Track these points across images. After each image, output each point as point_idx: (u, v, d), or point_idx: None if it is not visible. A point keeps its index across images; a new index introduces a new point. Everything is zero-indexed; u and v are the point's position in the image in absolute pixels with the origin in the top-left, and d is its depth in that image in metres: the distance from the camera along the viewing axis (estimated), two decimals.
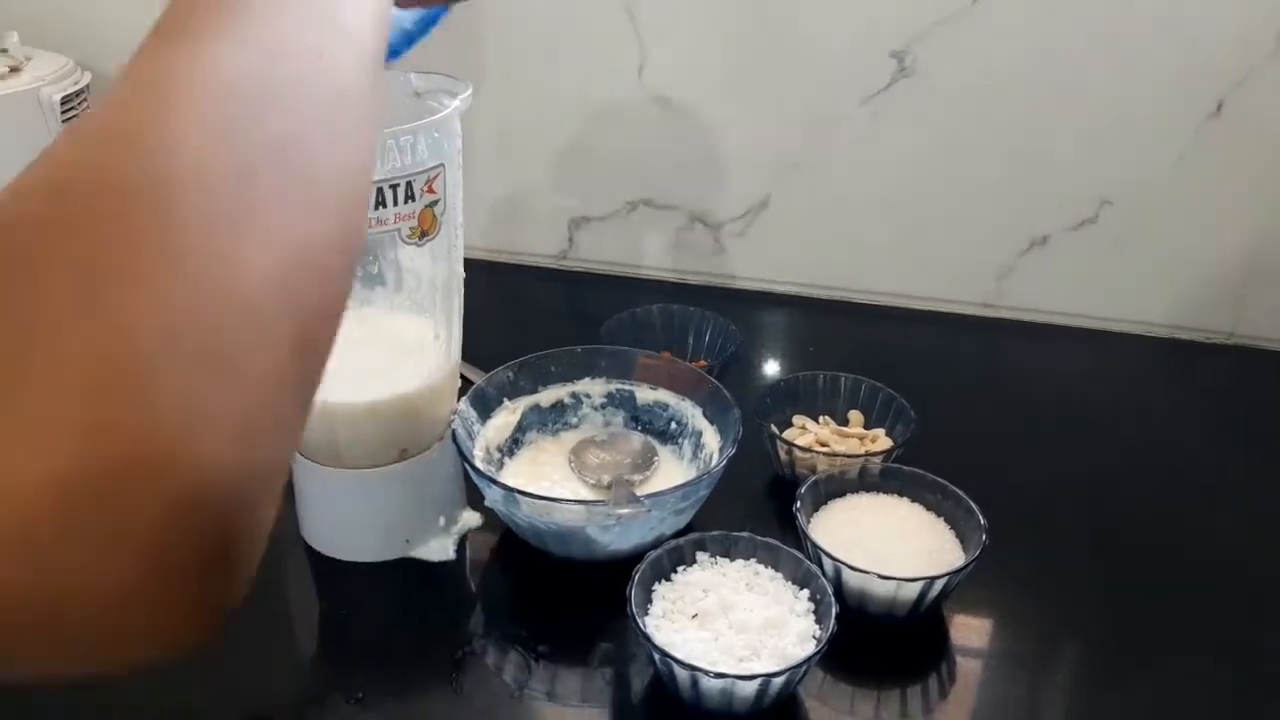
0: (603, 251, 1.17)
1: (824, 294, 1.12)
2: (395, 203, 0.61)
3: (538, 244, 1.18)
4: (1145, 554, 0.78)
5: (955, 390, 0.96)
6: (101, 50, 1.17)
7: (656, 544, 0.68)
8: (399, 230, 0.62)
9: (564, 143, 1.11)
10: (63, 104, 1.04)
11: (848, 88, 1.01)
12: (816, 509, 0.74)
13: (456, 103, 0.64)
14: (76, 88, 1.07)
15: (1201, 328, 1.04)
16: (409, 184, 0.61)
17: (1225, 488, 0.85)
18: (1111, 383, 1.01)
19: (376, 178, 0.59)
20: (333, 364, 0.65)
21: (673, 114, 1.06)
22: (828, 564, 0.67)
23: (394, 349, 0.70)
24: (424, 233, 0.63)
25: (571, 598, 0.72)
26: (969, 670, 0.68)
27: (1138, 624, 0.71)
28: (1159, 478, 0.87)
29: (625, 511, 0.67)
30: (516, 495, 0.68)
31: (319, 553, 0.75)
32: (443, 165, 0.63)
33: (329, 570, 0.75)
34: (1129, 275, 1.03)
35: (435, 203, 0.63)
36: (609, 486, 0.75)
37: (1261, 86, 0.92)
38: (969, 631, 0.70)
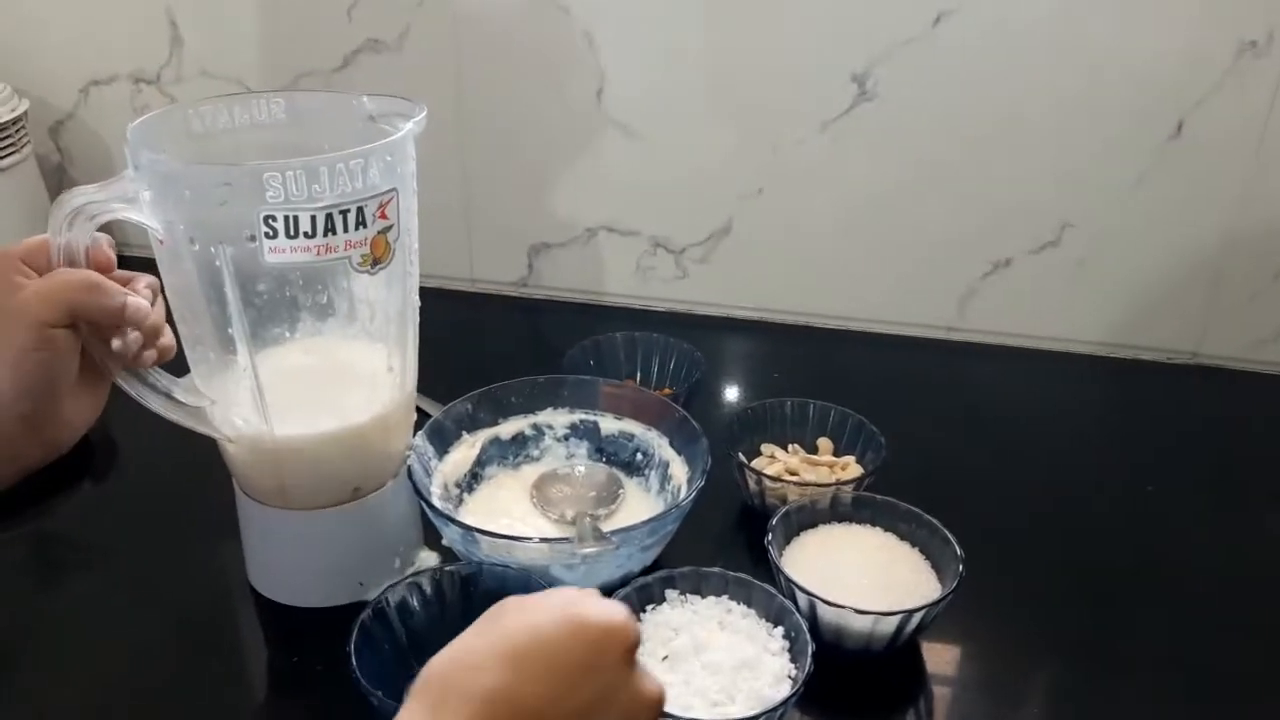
0: (563, 279, 1.14)
1: (788, 319, 1.11)
2: (345, 229, 0.58)
3: (497, 271, 1.15)
4: (1117, 576, 0.76)
5: (921, 415, 0.95)
6: (39, 77, 1.14)
7: (624, 582, 0.66)
8: (350, 258, 0.59)
9: (523, 168, 1.09)
10: None
11: (809, 111, 1.00)
12: (788, 541, 0.72)
13: (410, 125, 0.61)
14: (13, 115, 1.03)
15: (1165, 348, 1.04)
16: (360, 209, 0.58)
17: (1195, 508, 0.84)
18: (1077, 404, 1.00)
19: (324, 203, 0.56)
20: (280, 396, 0.63)
21: (633, 139, 1.05)
22: (802, 599, 0.64)
23: (345, 380, 0.67)
24: (376, 260, 0.60)
25: None
26: (947, 702, 0.66)
27: (1115, 647, 0.70)
28: (1128, 497, 0.85)
29: (591, 550, 0.64)
30: (476, 534, 0.65)
31: (267, 599, 0.72)
32: (396, 190, 0.60)
33: (278, 617, 0.71)
34: (1092, 297, 1.03)
35: (388, 229, 0.60)
36: (573, 522, 0.73)
37: (1220, 106, 0.92)
38: (946, 662, 0.68)
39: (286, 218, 0.56)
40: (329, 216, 0.57)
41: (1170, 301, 1.02)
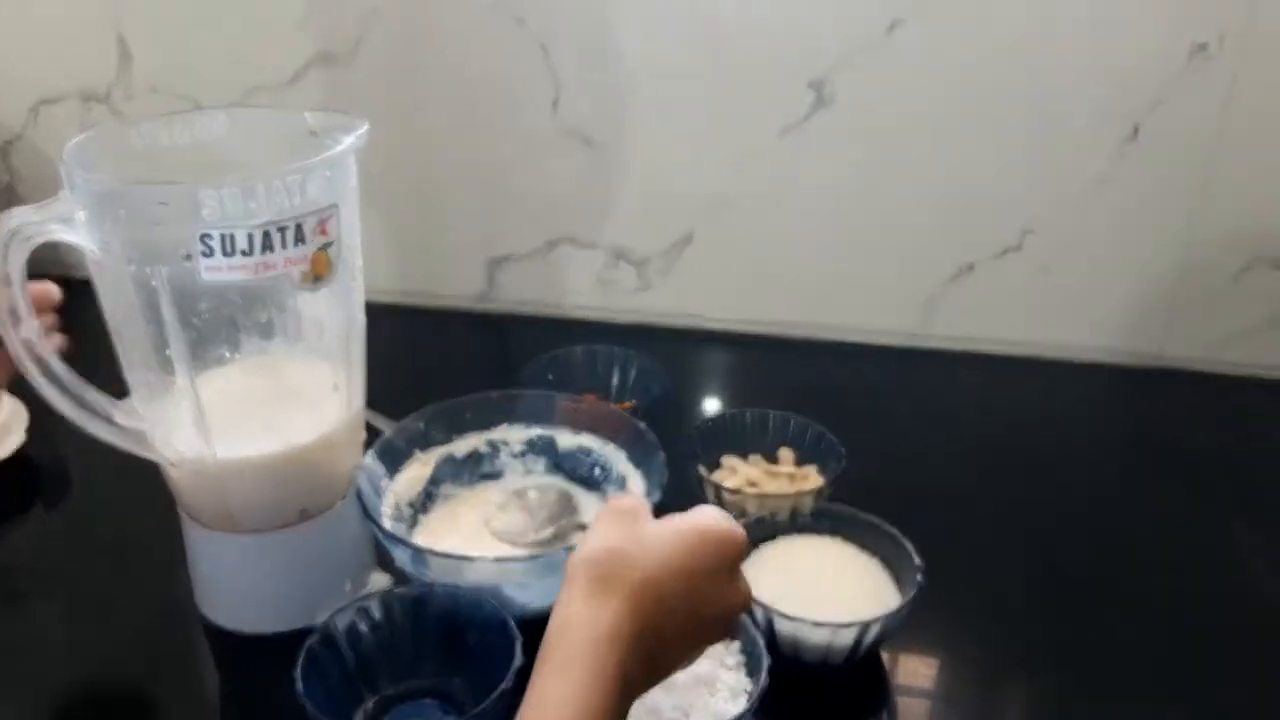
0: (524, 292, 1.13)
1: (751, 329, 1.10)
2: (284, 245, 0.56)
3: (455, 285, 1.14)
4: (1083, 583, 0.76)
5: (886, 423, 0.95)
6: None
7: None
8: (289, 275, 0.58)
9: (480, 180, 1.08)
10: None
11: (766, 119, 1.00)
12: (747, 555, 0.70)
13: (351, 139, 0.60)
14: None
15: (1130, 350, 1.04)
16: (298, 225, 0.57)
17: (1159, 511, 0.84)
18: (1042, 409, 1.00)
19: (261, 220, 0.55)
20: (221, 418, 0.61)
21: (591, 149, 1.04)
22: (759, 612, 0.63)
23: (288, 400, 0.66)
24: (318, 276, 0.59)
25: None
26: (911, 714, 0.65)
27: (1080, 655, 0.69)
28: (1093, 503, 0.85)
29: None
30: (425, 555, 0.64)
31: (216, 625, 0.70)
32: (336, 205, 0.59)
33: (228, 644, 0.70)
34: (1056, 301, 1.03)
35: (329, 245, 0.59)
36: (546, 542, 0.71)
37: (1176, 108, 0.92)
38: (910, 673, 0.68)
39: (223, 235, 0.55)
40: (266, 234, 0.56)
41: (1133, 304, 1.02)
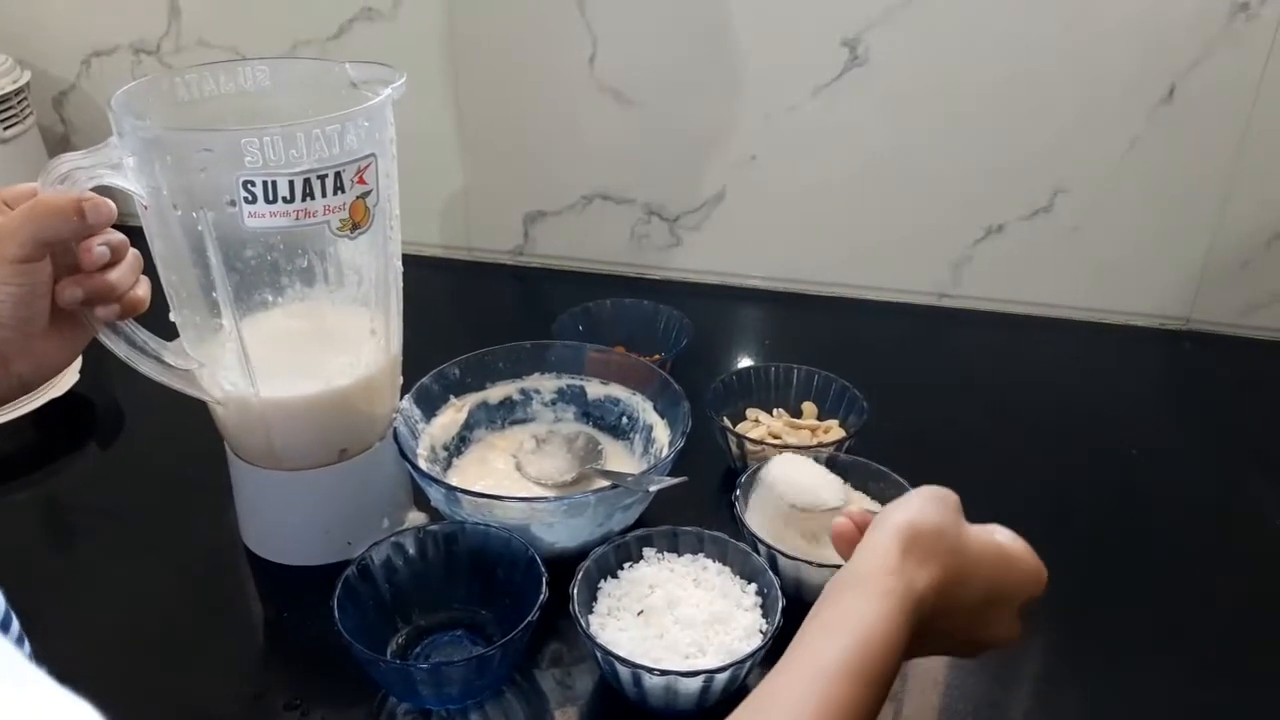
0: (559, 246, 1.15)
1: (781, 286, 1.12)
2: (323, 194, 0.59)
3: (493, 240, 1.16)
4: (1105, 542, 0.77)
5: (913, 380, 0.96)
6: (41, 49, 1.15)
7: (604, 540, 0.67)
8: (329, 222, 0.60)
9: (517, 136, 1.10)
10: (0, 103, 1.02)
11: (800, 78, 1.00)
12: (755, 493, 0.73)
13: (388, 91, 0.62)
14: (15, 86, 1.04)
15: (1158, 314, 1.04)
16: (338, 174, 0.59)
17: (1183, 474, 0.85)
18: (1068, 371, 1.00)
19: (301, 168, 0.57)
20: (264, 360, 0.64)
21: (625, 105, 1.05)
22: (763, 551, 0.65)
23: (329, 344, 0.68)
24: (356, 225, 0.62)
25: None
26: (924, 664, 0.67)
27: (1100, 611, 0.70)
28: (1116, 464, 0.86)
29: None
30: (458, 494, 0.67)
31: (261, 558, 0.74)
32: (374, 155, 0.61)
33: (270, 575, 0.73)
34: (1084, 263, 1.03)
35: (367, 194, 0.61)
36: (572, 483, 0.74)
37: (1212, 70, 0.91)
38: None
39: (265, 183, 0.57)
40: (306, 181, 0.58)
41: (1163, 267, 1.02)
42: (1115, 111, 0.95)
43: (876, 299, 1.10)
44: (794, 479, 0.71)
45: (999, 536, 0.52)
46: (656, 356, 0.91)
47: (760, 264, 1.11)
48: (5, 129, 1.03)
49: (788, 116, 1.02)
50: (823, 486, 0.70)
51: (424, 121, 1.08)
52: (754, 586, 0.64)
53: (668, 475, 0.69)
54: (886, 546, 0.48)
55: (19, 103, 1.05)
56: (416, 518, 0.76)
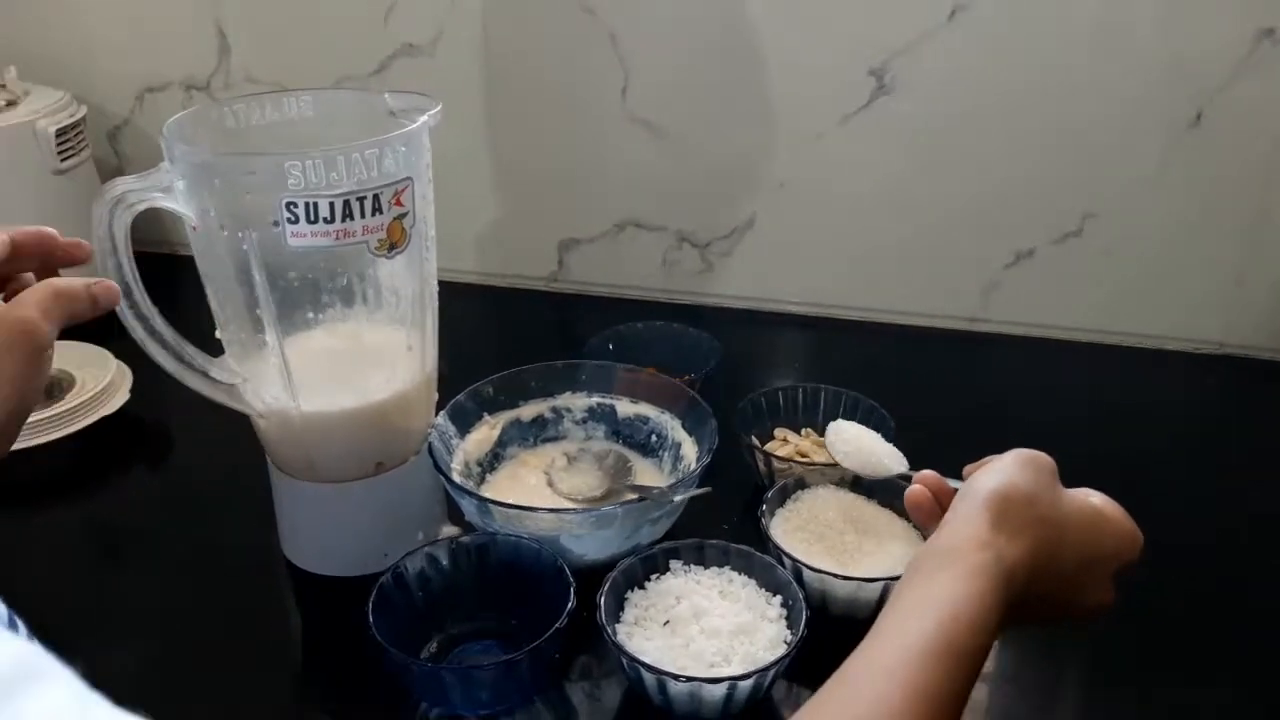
0: (592, 273, 1.17)
1: (810, 311, 1.13)
2: (362, 215, 0.61)
3: (528, 267, 1.19)
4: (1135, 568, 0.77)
5: (943, 405, 0.96)
6: (97, 84, 1.20)
7: (632, 553, 0.68)
8: (367, 243, 0.63)
9: (551, 166, 1.13)
10: (58, 136, 1.07)
11: (828, 106, 1.02)
12: (785, 507, 0.74)
13: (424, 118, 0.65)
14: (72, 120, 1.09)
15: (1190, 338, 1.04)
16: (376, 196, 0.62)
17: (1218, 501, 0.84)
18: (1099, 395, 1.00)
19: (341, 190, 0.60)
20: (305, 375, 0.67)
21: (657, 136, 1.08)
22: (789, 565, 0.66)
23: (366, 360, 0.70)
24: (393, 245, 0.64)
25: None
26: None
27: (1123, 624, 0.70)
28: (1148, 490, 0.85)
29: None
30: (490, 505, 0.68)
31: (300, 568, 0.76)
32: (410, 179, 0.63)
33: (309, 584, 0.75)
34: (1115, 287, 1.03)
35: (403, 215, 0.64)
36: (601, 498, 0.76)
37: (1240, 94, 0.92)
38: None
39: (307, 204, 0.60)
40: (346, 203, 0.61)
41: (1195, 291, 1.02)
42: (1143, 136, 0.96)
43: (906, 323, 1.10)
44: (857, 444, 0.72)
45: (1094, 500, 0.51)
46: (687, 377, 0.92)
47: (790, 289, 1.13)
48: (63, 160, 1.07)
49: (816, 144, 1.04)
50: (886, 454, 0.71)
51: (461, 152, 1.11)
52: (779, 599, 0.65)
53: (694, 488, 0.71)
54: (976, 518, 0.46)
55: (75, 136, 1.10)
56: (450, 531, 0.77)
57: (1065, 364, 1.05)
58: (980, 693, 0.65)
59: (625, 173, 1.11)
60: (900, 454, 0.72)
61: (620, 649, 0.60)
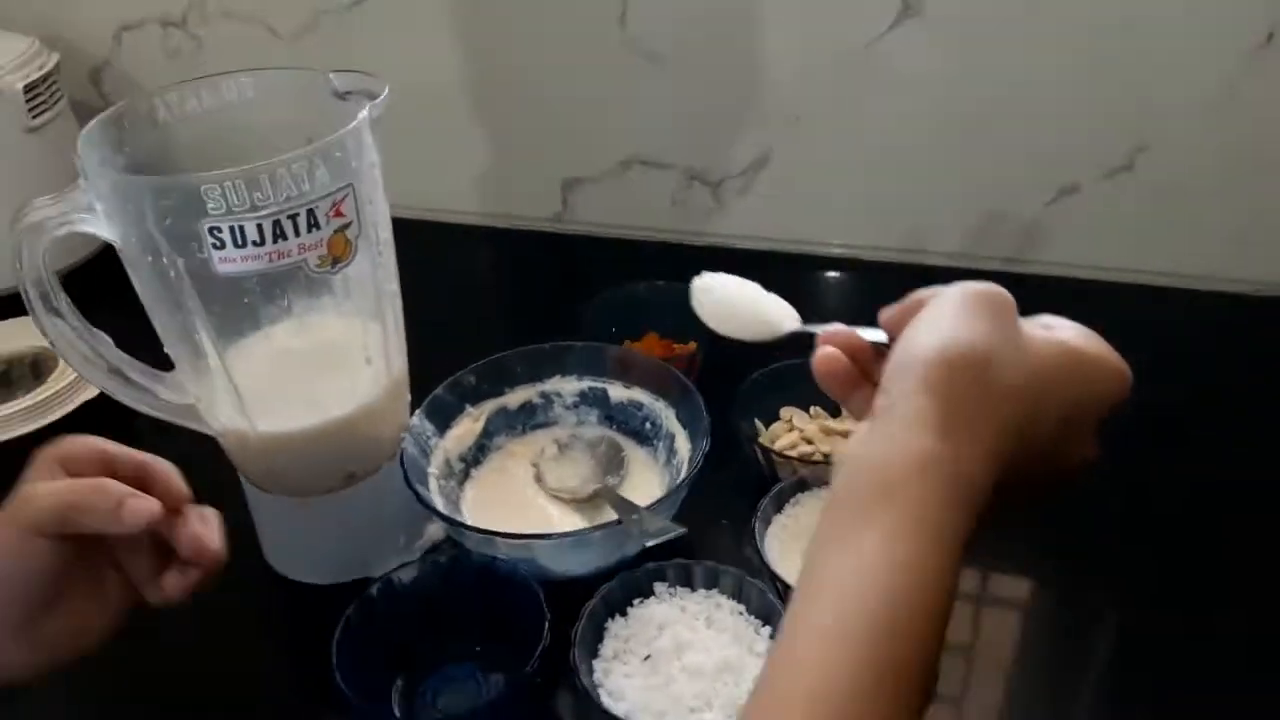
0: (598, 213, 1.10)
1: (830, 253, 1.04)
2: (297, 233, 0.55)
3: (531, 207, 1.12)
4: (1178, 517, 0.73)
5: None
6: (70, 24, 1.13)
7: (620, 562, 0.64)
8: (306, 261, 0.57)
9: (548, 100, 1.04)
10: (27, 92, 1.00)
11: (850, 29, 0.92)
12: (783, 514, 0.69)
13: (363, 114, 0.58)
14: (42, 72, 1.02)
15: (1253, 280, 0.94)
16: (310, 211, 0.55)
17: (1268, 443, 0.78)
18: (1145, 343, 0.90)
19: (269, 210, 0.54)
20: (258, 395, 0.62)
21: (659, 65, 0.98)
22: (781, 589, 0.62)
23: (324, 374, 0.66)
24: (336, 260, 0.58)
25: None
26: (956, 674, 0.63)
27: (1171, 585, 0.68)
28: (1198, 430, 0.80)
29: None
30: (460, 529, 0.64)
31: (282, 575, 0.73)
32: (350, 185, 0.57)
33: (291, 592, 0.73)
34: (1169, 226, 0.93)
35: (346, 226, 0.58)
36: (590, 498, 0.72)
37: None
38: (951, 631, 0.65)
39: (232, 228, 0.54)
40: (276, 223, 0.55)
41: (1259, 229, 0.91)
42: (1206, 59, 0.85)
43: (937, 264, 1.02)
44: (730, 299, 0.55)
45: (1066, 335, 0.40)
46: (693, 344, 0.86)
47: (811, 229, 1.04)
48: (35, 117, 1.01)
49: (837, 73, 0.94)
50: (772, 307, 0.54)
51: (450, 84, 1.03)
52: (768, 630, 0.61)
53: (676, 510, 0.66)
54: (916, 411, 0.34)
55: (48, 88, 1.03)
56: (436, 531, 0.74)
57: (1114, 309, 0.96)
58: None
59: (627, 106, 1.02)
60: (792, 309, 0.54)
61: (593, 702, 0.56)
